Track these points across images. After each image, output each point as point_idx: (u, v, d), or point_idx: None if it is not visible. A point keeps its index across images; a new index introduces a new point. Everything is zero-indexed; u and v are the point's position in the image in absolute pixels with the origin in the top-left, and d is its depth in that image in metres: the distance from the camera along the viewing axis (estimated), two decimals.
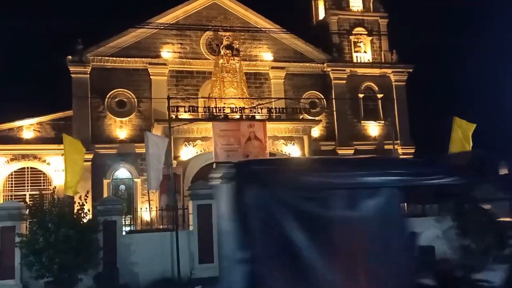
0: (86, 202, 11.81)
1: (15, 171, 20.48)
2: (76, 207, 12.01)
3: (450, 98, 35.14)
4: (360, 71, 24.84)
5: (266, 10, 24.27)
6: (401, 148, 24.33)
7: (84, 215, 11.71)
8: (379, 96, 24.96)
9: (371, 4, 26.18)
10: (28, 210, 11.80)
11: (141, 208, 19.06)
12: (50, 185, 20.21)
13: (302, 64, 24.07)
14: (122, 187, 21.21)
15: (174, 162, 18.26)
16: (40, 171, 20.70)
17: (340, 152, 23.71)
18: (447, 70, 36.01)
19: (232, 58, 21.53)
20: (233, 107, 20.18)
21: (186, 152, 19.32)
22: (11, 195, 20.01)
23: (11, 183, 20.40)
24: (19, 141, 20.56)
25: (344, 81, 24.42)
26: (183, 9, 22.89)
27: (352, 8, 25.97)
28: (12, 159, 20.33)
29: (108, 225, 12.09)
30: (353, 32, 25.41)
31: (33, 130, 20.89)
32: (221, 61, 21.43)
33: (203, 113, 20.14)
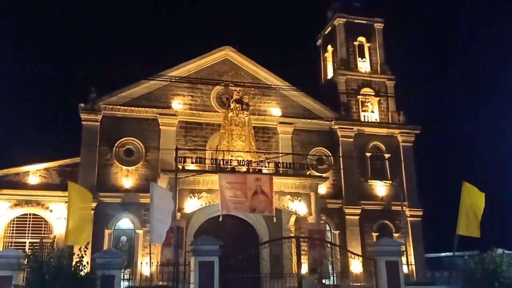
0: (85, 254, 11.44)
1: (17, 217, 20.18)
2: (75, 258, 11.61)
3: (461, 160, 34.97)
4: (368, 130, 24.99)
5: (276, 67, 24.99)
6: (409, 210, 23.89)
7: (83, 267, 11.29)
8: (387, 156, 24.91)
9: (378, 67, 26.85)
10: (26, 259, 11.41)
11: (141, 262, 18.46)
12: (51, 233, 19.86)
13: (310, 120, 24.31)
14: (124, 238, 20.72)
15: (178, 215, 17.91)
16: (42, 218, 20.37)
17: (347, 211, 23.32)
18: (456, 131, 36.17)
19: (241, 112, 21.82)
20: (240, 160, 20.13)
21: (191, 204, 19.03)
22: (11, 242, 19.62)
23: (13, 229, 20.05)
24: (24, 186, 20.43)
25: (352, 139, 24.50)
26: (196, 63, 23.57)
27: (360, 69, 26.63)
28: (15, 205, 20.10)
29: (106, 280, 11.58)
30: (361, 92, 25.87)
31: (39, 175, 20.82)
32: (230, 114, 21.70)
33: (210, 165, 20.07)
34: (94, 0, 53.30)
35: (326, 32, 28.64)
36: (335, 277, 20.58)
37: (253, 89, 23.30)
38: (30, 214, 20.29)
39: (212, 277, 11.85)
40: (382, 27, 27.57)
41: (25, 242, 19.57)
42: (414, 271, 20.87)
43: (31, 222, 20.23)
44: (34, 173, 20.77)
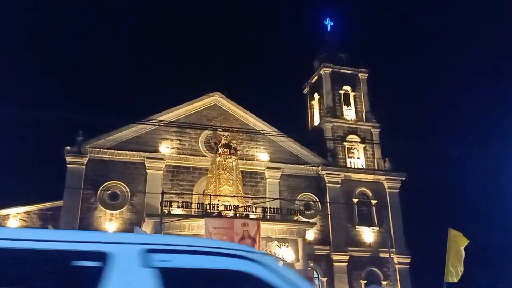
0: None
1: None
2: None
3: (447, 206, 35.21)
4: (354, 176, 25.17)
5: (264, 113, 25.44)
6: (397, 257, 23.65)
7: None
8: (373, 202, 24.97)
9: (363, 115, 27.53)
10: None
11: None
12: None
13: (297, 166, 24.45)
14: None
15: None
16: None
17: (334, 257, 22.97)
18: (441, 177, 36.65)
19: (229, 156, 21.88)
20: (227, 205, 19.93)
21: None
22: None
23: None
24: None
25: (339, 185, 24.60)
26: (185, 108, 23.86)
27: (346, 117, 27.24)
28: None
29: None
30: (347, 139, 26.30)
31: (19, 219, 20.27)
32: (218, 158, 21.73)
33: (197, 210, 19.79)
34: (84, 42, 54.40)
35: (313, 81, 29.50)
36: None
37: (241, 134, 23.53)
38: None
39: None
40: (366, 76, 28.54)
41: None
42: None
43: None
44: (14, 216, 20.23)
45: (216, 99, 24.39)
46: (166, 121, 22.68)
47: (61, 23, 56.40)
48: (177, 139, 23.23)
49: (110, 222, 20.89)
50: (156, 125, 22.41)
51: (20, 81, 48.13)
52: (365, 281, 22.88)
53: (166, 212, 18.20)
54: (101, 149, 21.85)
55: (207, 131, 23.45)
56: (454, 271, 13.54)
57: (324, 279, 22.66)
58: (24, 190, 25.84)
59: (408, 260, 24.07)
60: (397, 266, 23.48)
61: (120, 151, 22.00)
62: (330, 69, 28.00)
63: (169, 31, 61.37)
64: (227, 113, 24.30)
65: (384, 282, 22.95)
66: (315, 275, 22.00)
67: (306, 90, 30.42)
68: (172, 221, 18.20)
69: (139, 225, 18.70)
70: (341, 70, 28.27)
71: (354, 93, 28.00)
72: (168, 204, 18.69)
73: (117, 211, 21.17)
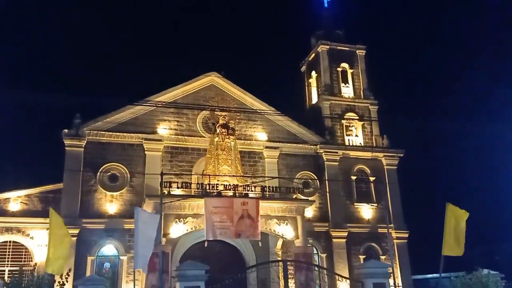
0: (67, 281, 11.16)
1: None
2: (56, 286, 11.30)
3: (443, 181, 35.51)
4: (352, 154, 25.27)
5: (261, 92, 25.33)
6: (395, 233, 23.97)
7: None
8: (372, 179, 25.14)
9: (361, 92, 27.44)
10: (5, 287, 11.07)
11: None
12: (32, 260, 19.27)
13: (295, 145, 24.51)
14: (107, 264, 20.20)
15: (163, 240, 17.60)
16: (23, 245, 19.80)
17: (334, 234, 23.28)
18: (439, 154, 36.84)
19: (227, 136, 21.90)
20: (226, 185, 20.06)
21: (177, 229, 18.77)
22: None
23: None
24: (4, 213, 19.93)
25: (337, 163, 24.72)
26: (182, 89, 23.73)
27: (344, 94, 27.16)
28: None
29: None
30: (345, 116, 26.29)
31: (20, 202, 20.37)
32: (216, 139, 21.75)
33: (196, 190, 19.93)
34: (80, 24, 53.72)
35: (310, 59, 29.28)
36: None
37: (239, 114, 23.49)
38: (10, 242, 19.71)
39: None
40: (364, 53, 28.32)
41: (4, 271, 18.93)
42: None
43: (11, 250, 19.64)
44: (15, 199, 20.32)
45: (213, 79, 24.25)
46: (163, 102, 22.62)
47: (58, 2, 55.57)
48: (175, 120, 23.20)
49: (110, 203, 21.06)
50: (154, 106, 22.34)
51: (15, 65, 47.74)
52: (364, 256, 23.27)
53: (166, 192, 18.31)
54: (99, 132, 21.84)
55: (204, 111, 23.40)
56: (454, 245, 13.77)
57: (324, 255, 23.02)
58: (24, 174, 25.92)
59: (406, 235, 24.41)
60: (395, 241, 23.85)
61: (118, 133, 21.99)
62: (328, 46, 27.76)
63: (165, 11, 60.52)
64: (224, 93, 24.20)
65: (383, 257, 23.34)
66: (315, 251, 22.35)
67: (303, 68, 30.22)
68: (172, 201, 18.34)
69: (140, 205, 18.86)
70: (338, 47, 28.02)
71: (351, 70, 27.84)
72: (168, 185, 18.79)
73: (117, 193, 21.32)
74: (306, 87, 29.57)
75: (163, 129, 22.76)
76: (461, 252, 13.70)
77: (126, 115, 22.46)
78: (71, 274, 12.10)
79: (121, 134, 22.01)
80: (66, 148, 21.18)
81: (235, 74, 29.71)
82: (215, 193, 19.42)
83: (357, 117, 26.45)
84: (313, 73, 28.87)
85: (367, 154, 25.48)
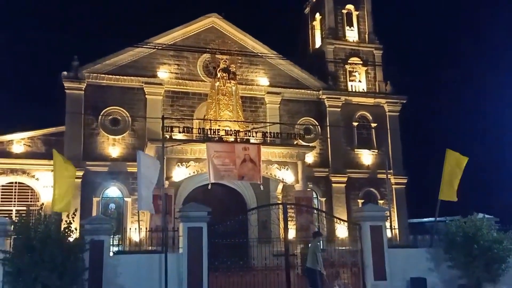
0: (73, 221, 11.45)
1: (2, 186, 20.02)
2: (63, 225, 11.64)
3: (444, 129, 35.54)
4: (355, 100, 25.07)
5: (263, 36, 24.65)
6: (394, 178, 24.36)
7: (71, 233, 11.32)
8: (373, 125, 25.14)
9: (366, 36, 26.69)
10: (13, 226, 11.39)
11: (130, 229, 18.63)
12: (38, 201, 19.78)
13: (297, 90, 24.25)
14: (112, 206, 20.79)
15: (166, 183, 17.97)
16: (28, 186, 20.25)
17: (333, 179, 23.67)
18: (441, 101, 36.57)
19: (228, 81, 21.62)
20: (228, 130, 20.11)
21: (179, 173, 19.08)
22: None
23: None
24: (8, 155, 20.17)
25: (339, 109, 24.59)
26: (182, 31, 23.08)
27: (348, 38, 26.43)
28: (0, 173, 19.92)
29: (95, 245, 11.66)
30: (349, 61, 25.78)
31: (24, 144, 20.55)
32: (217, 83, 21.50)
33: (198, 135, 20.02)
34: None
35: (314, 0, 28.20)
36: (321, 242, 21.04)
37: (240, 58, 23.00)
38: (16, 183, 20.14)
39: (200, 242, 12.00)
40: None
41: (11, 210, 19.52)
42: (397, 235, 21.48)
43: (17, 190, 20.11)
44: (18, 141, 20.48)
45: (213, 20, 23.51)
46: (163, 44, 22.11)
47: None
48: (175, 64, 22.80)
49: (113, 147, 21.24)
50: (153, 48, 21.86)
51: (12, 6, 46.15)
52: (362, 201, 23.82)
53: (168, 137, 18.40)
54: (99, 74, 21.55)
55: (205, 55, 22.93)
56: (451, 190, 14.03)
57: (323, 199, 23.56)
58: (26, 116, 25.89)
59: (405, 181, 24.83)
60: (393, 187, 24.30)
61: (118, 76, 21.71)
62: None
63: None
64: (225, 35, 23.56)
65: (381, 201, 23.89)
66: (314, 196, 22.86)
67: (307, 10, 29.19)
68: (173, 145, 18.48)
69: (142, 149, 19.03)
70: None
71: (357, 13, 26.91)
72: (169, 129, 18.86)
73: (119, 136, 21.43)
74: (310, 30, 28.73)
75: (164, 73, 22.42)
76: (455, 197, 13.96)
77: (126, 58, 22.05)
78: (77, 214, 12.39)
79: (121, 77, 21.73)
80: (66, 91, 21.02)
81: (236, 16, 28.68)
82: (216, 138, 19.52)
83: (361, 62, 25.95)
84: (317, 16, 27.93)
85: (370, 100, 25.29)
